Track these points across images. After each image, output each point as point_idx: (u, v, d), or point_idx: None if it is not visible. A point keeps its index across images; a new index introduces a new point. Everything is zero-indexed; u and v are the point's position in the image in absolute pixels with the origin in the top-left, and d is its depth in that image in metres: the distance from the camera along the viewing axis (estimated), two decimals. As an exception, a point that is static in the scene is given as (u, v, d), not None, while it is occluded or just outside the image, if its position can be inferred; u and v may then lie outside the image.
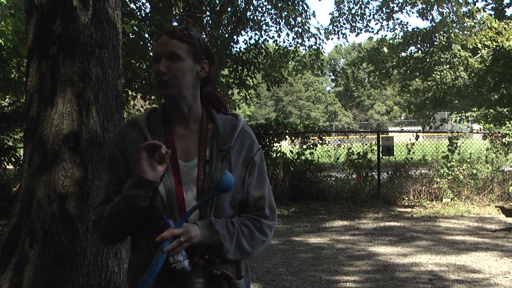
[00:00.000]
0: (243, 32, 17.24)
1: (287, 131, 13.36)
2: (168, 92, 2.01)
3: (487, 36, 18.43)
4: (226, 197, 2.01)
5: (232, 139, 2.07)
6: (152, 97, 14.98)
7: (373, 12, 22.83)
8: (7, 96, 14.62)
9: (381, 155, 13.21)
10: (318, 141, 13.52)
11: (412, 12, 23.19)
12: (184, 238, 1.86)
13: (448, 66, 22.78)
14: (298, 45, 20.15)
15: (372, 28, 36.53)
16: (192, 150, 2.05)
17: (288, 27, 19.46)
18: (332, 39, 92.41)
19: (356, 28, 22.94)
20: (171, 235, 1.84)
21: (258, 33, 17.59)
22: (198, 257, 1.92)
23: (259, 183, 2.11)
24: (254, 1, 18.30)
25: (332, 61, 79.54)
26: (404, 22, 33.70)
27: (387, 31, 43.12)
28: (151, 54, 13.66)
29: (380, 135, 13.73)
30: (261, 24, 18.10)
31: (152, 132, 2.04)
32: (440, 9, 21.56)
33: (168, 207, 1.95)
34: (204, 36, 15.57)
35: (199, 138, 2.07)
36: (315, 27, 30.01)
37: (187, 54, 2.03)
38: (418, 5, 21.81)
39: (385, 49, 23.92)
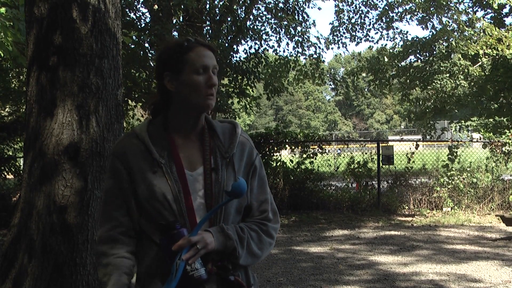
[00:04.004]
0: (243, 42, 17.29)
1: (287, 140, 13.38)
2: (212, 105, 2.05)
3: (488, 43, 18.46)
4: (233, 204, 2.04)
5: (234, 146, 2.09)
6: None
7: (372, 21, 22.91)
8: (7, 106, 14.65)
9: (381, 164, 13.21)
10: (318, 150, 13.54)
11: (412, 20, 23.18)
12: (201, 245, 1.87)
13: (448, 75, 22.82)
14: (299, 54, 20.22)
15: (372, 38, 36.62)
16: (196, 159, 2.06)
17: (288, 36, 19.53)
18: (332, 48, 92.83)
19: (356, 37, 23.01)
20: (189, 242, 1.85)
21: (258, 43, 17.65)
22: (211, 264, 1.94)
23: (261, 187, 2.15)
24: (254, 11, 18.36)
25: (332, 70, 79.74)
26: (404, 31, 33.69)
27: (387, 40, 43.30)
28: (151, 63, 13.69)
29: (380, 144, 13.74)
30: (261, 33, 18.15)
31: (154, 143, 2.04)
32: (440, 17, 21.65)
33: (179, 217, 1.95)
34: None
35: (200, 146, 2.08)
36: (315, 36, 30.11)
37: None
38: (417, 14, 21.89)
39: (385, 58, 23.95)
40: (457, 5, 21.87)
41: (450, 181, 12.70)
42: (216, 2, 16.78)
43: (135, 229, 2.06)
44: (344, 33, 22.83)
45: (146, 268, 2.02)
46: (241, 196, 1.96)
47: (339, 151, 18.86)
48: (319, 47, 20.63)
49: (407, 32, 24.25)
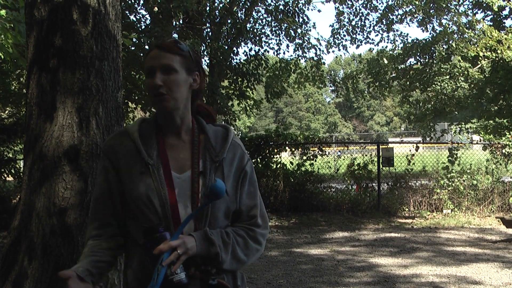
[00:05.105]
0: (243, 44, 17.31)
1: (287, 142, 13.38)
2: (165, 105, 2.00)
3: (488, 45, 18.45)
4: (221, 208, 2.02)
5: (225, 150, 2.07)
6: (152, 109, 15.01)
7: (373, 23, 22.93)
8: (7, 108, 14.64)
9: (381, 166, 13.21)
10: (318, 152, 13.53)
11: (412, 22, 23.18)
12: (181, 250, 1.85)
13: (448, 77, 22.83)
14: (299, 57, 20.24)
15: (372, 40, 36.60)
16: (185, 162, 2.04)
17: (288, 38, 19.55)
18: (333, 51, 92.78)
19: (356, 40, 23.02)
20: (169, 247, 1.84)
21: (258, 45, 17.66)
22: (194, 269, 1.92)
23: (251, 192, 2.13)
24: (254, 13, 18.39)
25: (332, 72, 79.73)
26: (404, 33, 33.66)
27: (387, 42, 43.21)
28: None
29: (380, 146, 13.74)
30: (261, 36, 18.17)
31: (144, 143, 2.03)
32: (440, 19, 21.66)
33: (163, 219, 1.94)
34: (204, 47, 15.63)
35: (191, 149, 2.06)
36: (315, 38, 30.15)
37: (181, 67, 2.03)
38: (417, 16, 21.90)
39: (385, 60, 23.95)
40: (457, 7, 21.91)
41: (450, 183, 12.70)
42: (216, 4, 16.81)
43: (121, 229, 2.07)
44: (344, 35, 22.85)
45: (132, 270, 2.03)
46: (220, 198, 1.94)
47: (339, 153, 18.89)
48: (319, 49, 20.68)
49: (407, 34, 24.19)
